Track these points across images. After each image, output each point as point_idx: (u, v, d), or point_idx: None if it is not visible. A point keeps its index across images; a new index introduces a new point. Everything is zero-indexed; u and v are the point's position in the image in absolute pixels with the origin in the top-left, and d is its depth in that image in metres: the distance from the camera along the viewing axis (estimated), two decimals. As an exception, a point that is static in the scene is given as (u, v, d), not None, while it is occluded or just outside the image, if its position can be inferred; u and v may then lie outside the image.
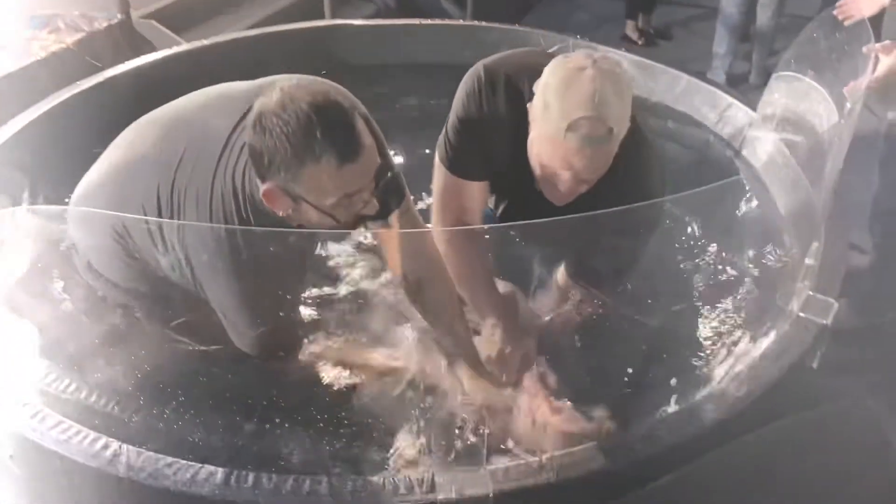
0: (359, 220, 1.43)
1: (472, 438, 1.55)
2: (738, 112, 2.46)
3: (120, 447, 1.37)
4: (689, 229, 2.12)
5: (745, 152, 2.34)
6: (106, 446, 1.38)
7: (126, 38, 3.31)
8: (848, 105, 2.03)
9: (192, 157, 1.47)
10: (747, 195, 2.19)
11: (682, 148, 2.52)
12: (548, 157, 1.49)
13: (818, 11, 5.25)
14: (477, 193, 1.73)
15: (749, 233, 2.14)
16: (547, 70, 1.47)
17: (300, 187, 1.32)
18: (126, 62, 2.70)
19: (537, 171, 1.54)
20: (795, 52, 2.35)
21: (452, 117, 1.69)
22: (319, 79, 1.50)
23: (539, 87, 1.47)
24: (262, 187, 1.34)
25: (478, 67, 1.66)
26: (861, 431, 1.68)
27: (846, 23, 2.51)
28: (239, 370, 1.63)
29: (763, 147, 2.27)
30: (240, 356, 1.58)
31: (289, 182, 1.31)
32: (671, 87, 2.61)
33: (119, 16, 3.34)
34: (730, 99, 2.49)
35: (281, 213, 1.38)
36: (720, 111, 2.48)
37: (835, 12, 2.49)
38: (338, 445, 1.57)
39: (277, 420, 1.60)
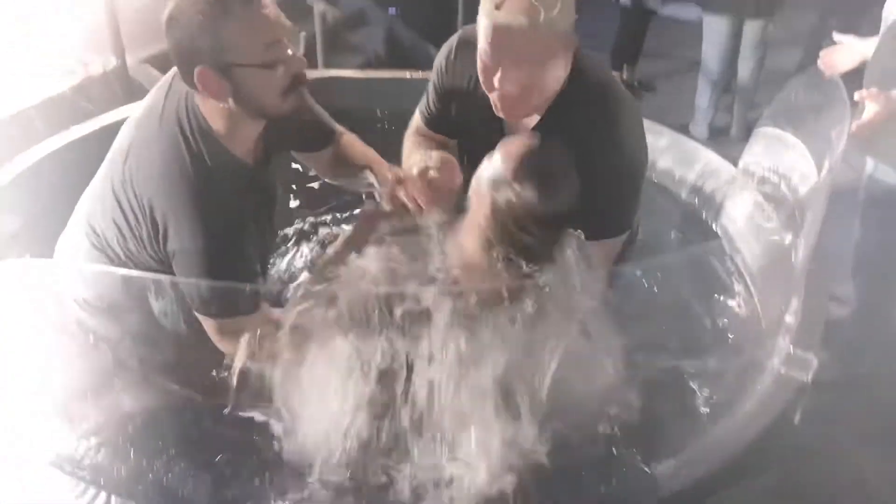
0: (296, 96, 1.46)
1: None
2: (719, 168, 2.51)
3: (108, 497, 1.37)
4: (669, 292, 2.14)
5: (725, 208, 2.39)
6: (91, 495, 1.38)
7: (122, 84, 3.36)
8: (827, 163, 2.09)
9: (138, 137, 1.55)
10: (727, 255, 2.24)
11: (663, 204, 2.56)
12: (482, 47, 1.49)
13: (799, 66, 5.45)
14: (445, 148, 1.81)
15: (728, 292, 2.18)
16: None
17: (226, 53, 1.36)
18: (121, 108, 2.74)
19: (481, 77, 1.54)
20: (776, 107, 2.42)
21: (432, 77, 1.79)
22: None
23: None
24: (196, 72, 1.38)
25: (455, 34, 1.76)
26: (845, 482, 1.69)
27: (828, 74, 2.60)
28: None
29: (744, 203, 2.32)
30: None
31: (215, 54, 1.36)
32: (652, 141, 2.66)
33: (115, 61, 3.39)
34: (710, 154, 2.55)
35: (221, 103, 1.42)
36: (701, 166, 2.54)
37: (819, 63, 2.58)
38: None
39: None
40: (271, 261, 2.11)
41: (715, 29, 4.51)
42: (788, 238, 2.12)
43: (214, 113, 1.47)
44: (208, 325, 1.57)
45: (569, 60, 1.58)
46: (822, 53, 2.67)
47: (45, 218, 2.13)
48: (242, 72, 1.39)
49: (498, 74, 1.49)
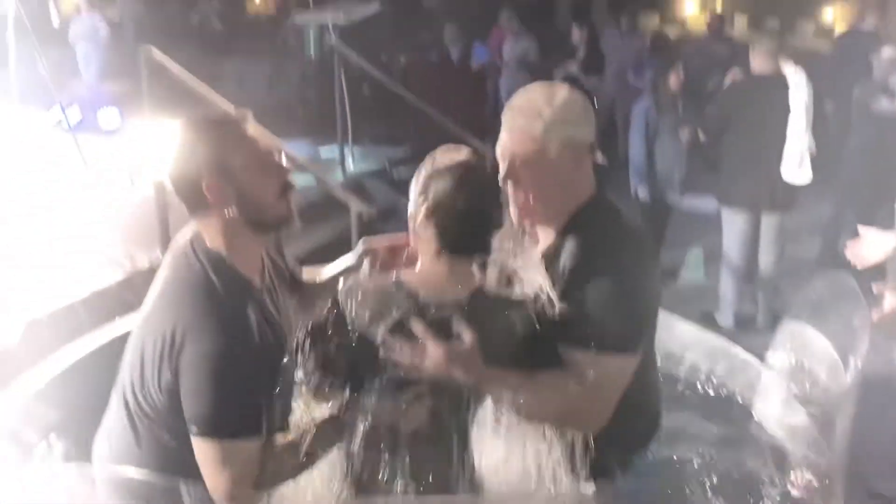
0: (287, 202, 1.62)
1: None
2: (747, 363, 2.52)
3: None
4: (707, 492, 2.10)
5: (756, 406, 2.38)
6: None
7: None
8: (852, 360, 2.11)
9: (155, 287, 1.66)
10: (763, 455, 2.20)
11: (691, 403, 2.55)
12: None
13: (819, 255, 5.55)
14: None
15: (767, 495, 2.12)
16: None
17: (229, 161, 1.54)
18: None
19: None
20: (799, 304, 2.47)
21: None
22: None
23: None
24: (204, 186, 1.53)
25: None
26: None
27: (858, 267, 2.66)
28: None
29: (774, 401, 2.32)
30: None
31: (220, 164, 1.54)
32: (678, 335, 2.71)
33: (161, 255, 3.56)
34: (738, 350, 2.57)
35: (226, 211, 1.55)
36: (729, 363, 2.55)
37: (846, 255, 2.63)
38: None
39: None
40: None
41: (733, 222, 4.65)
42: (821, 436, 2.10)
43: (217, 235, 1.61)
44: (207, 450, 1.53)
45: (578, 175, 1.69)
46: (848, 244, 2.73)
47: (87, 412, 2.18)
48: (243, 175, 1.56)
49: (504, 171, 1.65)
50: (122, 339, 2.57)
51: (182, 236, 1.70)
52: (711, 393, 2.53)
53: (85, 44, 9.29)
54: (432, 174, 1.64)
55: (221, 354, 1.50)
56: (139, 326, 1.66)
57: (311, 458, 1.61)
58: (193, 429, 1.52)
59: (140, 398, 1.60)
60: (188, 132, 1.58)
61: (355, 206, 3.89)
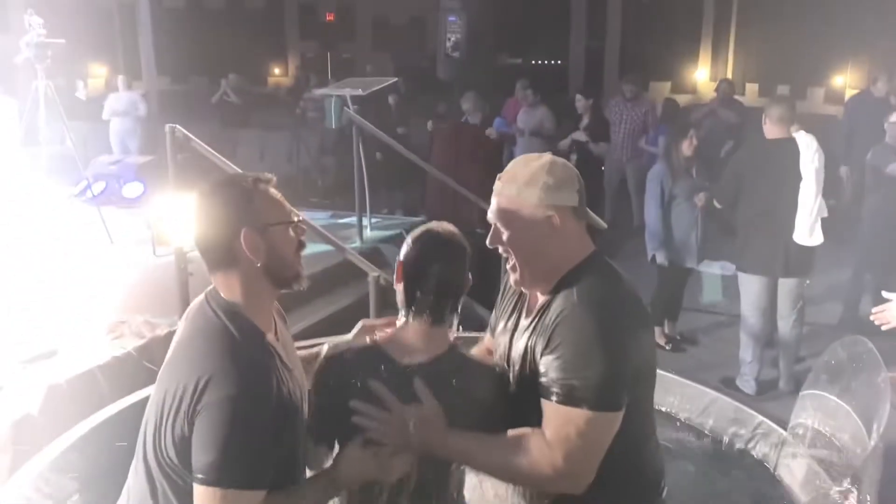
0: (300, 258, 1.72)
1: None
2: (770, 431, 2.49)
3: None
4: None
5: (779, 473, 2.34)
6: None
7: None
8: (875, 426, 2.08)
9: (173, 347, 1.70)
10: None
11: (715, 469, 2.52)
12: None
13: (840, 320, 5.51)
14: None
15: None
16: None
17: (261, 216, 1.65)
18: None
19: None
20: (821, 369, 2.45)
21: None
22: None
23: None
24: (242, 234, 1.61)
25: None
26: None
27: (883, 328, 2.67)
28: None
29: (798, 469, 2.28)
30: None
31: (253, 218, 1.64)
32: (700, 403, 2.69)
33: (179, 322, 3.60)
34: (760, 417, 2.55)
35: (257, 261, 1.62)
36: (751, 429, 2.52)
37: (871, 318, 2.66)
38: None
39: None
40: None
41: (749, 287, 4.65)
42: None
43: (236, 288, 1.66)
44: (210, 499, 1.50)
45: (564, 239, 1.72)
46: (874, 310, 2.76)
47: (104, 480, 2.19)
48: (275, 230, 1.66)
49: (489, 235, 1.76)
50: (141, 406, 2.62)
51: (196, 301, 1.75)
52: (734, 457, 2.50)
53: (122, 120, 9.60)
54: (407, 244, 1.78)
55: (242, 398, 1.51)
56: (157, 384, 1.68)
57: None
58: (199, 477, 1.51)
59: (157, 453, 1.60)
60: (228, 188, 1.67)
61: (372, 271, 3.93)
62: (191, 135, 3.87)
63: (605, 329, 1.60)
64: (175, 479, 1.59)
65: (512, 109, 9.03)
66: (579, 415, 1.58)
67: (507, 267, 1.78)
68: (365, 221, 5.86)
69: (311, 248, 5.02)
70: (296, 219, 1.73)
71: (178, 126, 3.86)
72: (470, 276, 1.79)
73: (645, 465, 1.80)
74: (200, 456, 1.51)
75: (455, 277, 1.75)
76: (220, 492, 1.50)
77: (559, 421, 1.60)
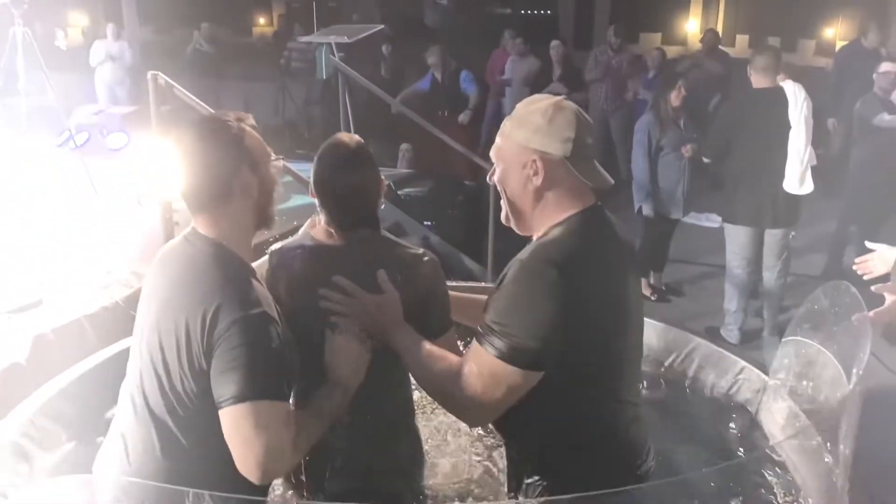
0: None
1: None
2: (752, 376, 2.53)
3: None
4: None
5: (760, 418, 2.38)
6: None
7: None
8: (855, 368, 2.11)
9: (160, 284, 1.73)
10: (767, 466, 2.20)
11: (697, 415, 2.56)
12: None
13: (824, 271, 5.56)
14: None
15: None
16: None
17: (254, 155, 1.72)
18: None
19: None
20: (803, 316, 2.48)
21: None
22: None
23: None
24: (239, 173, 1.69)
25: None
26: None
27: (865, 278, 2.67)
28: None
29: (778, 413, 2.32)
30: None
31: (249, 157, 1.71)
32: (684, 349, 2.72)
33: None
34: (743, 363, 2.58)
35: (250, 198, 1.71)
36: (734, 375, 2.56)
37: (854, 267, 2.65)
38: None
39: None
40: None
41: (736, 238, 4.68)
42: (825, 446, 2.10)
43: (220, 227, 1.71)
44: (243, 416, 1.55)
45: (533, 184, 1.68)
46: (856, 260, 2.75)
47: (93, 426, 2.20)
48: (265, 169, 1.75)
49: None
50: (126, 354, 2.62)
51: (170, 245, 1.79)
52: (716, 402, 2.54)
53: (112, 67, 9.39)
54: (316, 158, 1.91)
55: (252, 318, 1.57)
56: (143, 333, 1.70)
57: (330, 422, 1.74)
58: (227, 399, 1.55)
59: (164, 396, 1.62)
60: (220, 130, 1.71)
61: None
62: (173, 83, 3.81)
63: (537, 291, 1.58)
64: (183, 415, 1.62)
65: (498, 61, 8.92)
66: (488, 358, 1.60)
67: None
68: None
69: (298, 200, 5.05)
70: (275, 159, 1.80)
71: (160, 73, 3.79)
72: (382, 182, 1.91)
73: (611, 442, 1.74)
74: (225, 379, 1.55)
75: (359, 183, 1.86)
76: (251, 406, 1.54)
77: (473, 356, 1.64)
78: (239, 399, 1.55)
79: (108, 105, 8.22)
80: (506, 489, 1.87)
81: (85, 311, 3.27)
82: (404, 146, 7.24)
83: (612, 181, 1.73)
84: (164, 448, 1.63)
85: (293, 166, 4.16)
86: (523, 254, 1.65)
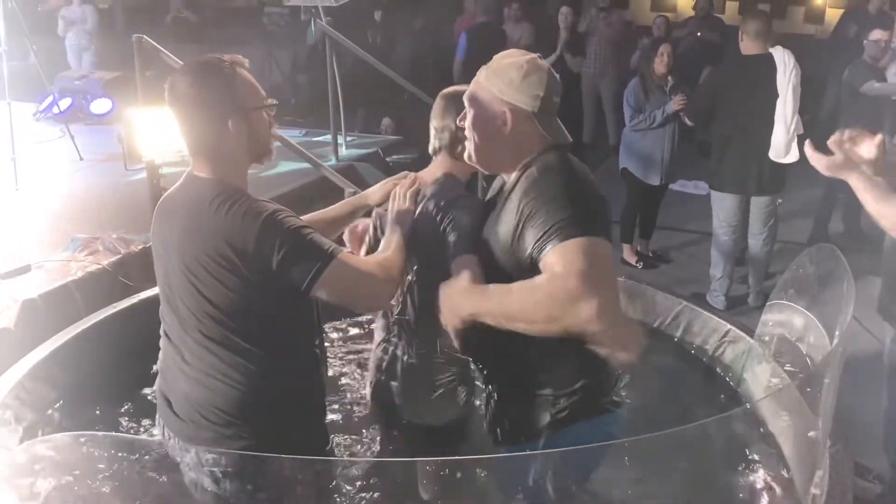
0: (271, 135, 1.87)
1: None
2: (737, 338, 2.56)
3: None
4: (692, 461, 2.12)
5: (745, 378, 2.42)
6: None
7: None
8: (837, 330, 2.14)
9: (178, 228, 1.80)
10: (751, 425, 2.24)
11: (683, 374, 2.60)
12: None
13: (810, 238, 5.59)
14: None
15: (753, 462, 2.16)
16: None
17: (245, 101, 1.77)
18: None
19: None
20: (788, 280, 2.51)
21: None
22: None
23: None
24: (230, 123, 1.74)
25: None
26: None
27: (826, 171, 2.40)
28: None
29: (762, 374, 2.36)
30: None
31: (239, 103, 1.75)
32: (670, 312, 2.75)
33: (154, 240, 3.57)
34: (728, 325, 2.61)
35: (241, 142, 1.76)
36: (719, 337, 2.59)
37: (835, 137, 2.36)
38: None
39: None
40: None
41: (722, 205, 4.68)
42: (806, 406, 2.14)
43: (217, 165, 1.78)
44: (340, 266, 1.74)
45: (521, 138, 1.77)
46: (847, 133, 2.43)
47: (83, 389, 2.21)
48: (256, 114, 1.79)
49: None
50: (115, 318, 2.61)
51: (174, 189, 1.85)
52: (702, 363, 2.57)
53: (75, 34, 9.22)
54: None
55: (278, 212, 1.73)
56: (176, 277, 1.77)
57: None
58: (308, 274, 1.71)
59: (230, 316, 1.74)
60: (212, 75, 1.74)
61: (349, 187, 3.91)
62: (159, 46, 3.76)
63: (567, 180, 1.70)
64: (241, 337, 1.74)
65: (463, 27, 8.51)
66: (578, 243, 1.58)
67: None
68: (340, 140, 5.78)
69: (287, 166, 5.02)
70: (268, 102, 1.85)
71: (144, 36, 3.74)
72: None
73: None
74: (297, 260, 1.71)
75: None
76: (326, 269, 1.71)
77: (561, 257, 1.59)
78: (321, 265, 1.71)
79: (87, 71, 8.08)
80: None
81: (72, 276, 3.26)
82: (386, 121, 7.21)
83: (571, 139, 1.83)
84: (229, 375, 1.75)
85: (280, 133, 4.12)
86: (525, 184, 1.71)
